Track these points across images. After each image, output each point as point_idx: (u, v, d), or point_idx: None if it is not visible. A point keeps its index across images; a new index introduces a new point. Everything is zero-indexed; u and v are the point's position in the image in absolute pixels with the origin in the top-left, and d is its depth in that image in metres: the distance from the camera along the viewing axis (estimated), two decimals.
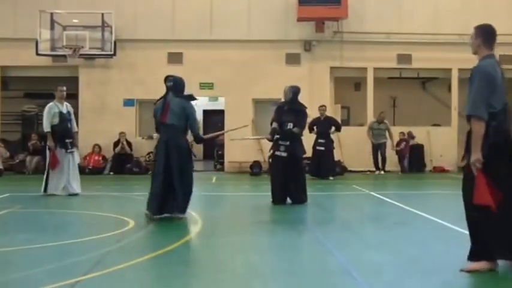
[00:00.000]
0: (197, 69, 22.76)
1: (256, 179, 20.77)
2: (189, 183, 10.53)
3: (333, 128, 20.36)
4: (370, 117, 23.31)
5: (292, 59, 23.37)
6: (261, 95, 23.16)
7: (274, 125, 13.00)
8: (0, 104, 23.82)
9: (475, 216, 6.30)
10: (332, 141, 20.37)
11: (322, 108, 20.39)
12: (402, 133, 23.38)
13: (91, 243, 8.29)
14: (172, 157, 10.36)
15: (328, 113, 21.02)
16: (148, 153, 22.83)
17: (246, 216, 11.96)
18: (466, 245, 6.55)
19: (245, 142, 22.32)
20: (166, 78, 10.91)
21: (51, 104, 14.45)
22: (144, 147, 23.06)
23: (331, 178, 19.53)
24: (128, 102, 23.30)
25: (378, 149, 22.42)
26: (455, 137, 23.14)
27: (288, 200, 12.77)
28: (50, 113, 14.29)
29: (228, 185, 19.17)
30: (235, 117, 23.10)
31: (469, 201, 6.33)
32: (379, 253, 7.58)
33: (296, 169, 12.82)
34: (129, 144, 22.82)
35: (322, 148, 19.83)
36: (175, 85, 10.78)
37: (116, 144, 22.75)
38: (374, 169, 22.37)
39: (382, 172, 22.20)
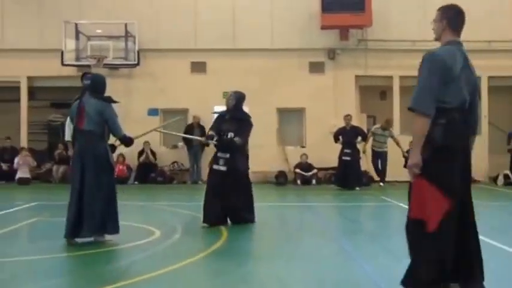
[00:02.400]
0: (220, 79, 22.73)
1: (282, 189, 20.67)
2: (107, 198, 8.95)
3: (359, 138, 20.19)
4: (397, 127, 23.06)
5: (316, 68, 23.26)
6: (284, 104, 23.09)
7: (211, 132, 11.37)
8: (27, 113, 23.94)
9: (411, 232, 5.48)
10: (358, 151, 20.18)
11: (347, 117, 20.24)
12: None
13: (117, 252, 8.27)
14: (88, 169, 8.93)
15: (354, 122, 20.84)
16: (173, 163, 22.85)
17: (271, 226, 11.88)
18: (498, 256, 6.41)
19: (269, 151, 22.28)
20: (83, 76, 9.61)
21: None
22: (168, 156, 23.09)
23: (357, 189, 19.35)
24: (152, 112, 23.30)
25: (378, 157, 21.33)
26: (485, 146, 22.76)
27: (228, 221, 11.12)
28: (71, 122, 14.29)
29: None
30: (259, 126, 22.72)
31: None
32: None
33: (238, 185, 11.15)
34: (153, 153, 22.83)
35: (349, 158, 19.67)
36: (93, 84, 9.25)
37: (140, 153, 22.77)
38: (400, 179, 21.93)
39: (381, 184, 20.92)
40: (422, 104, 5.18)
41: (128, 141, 9.47)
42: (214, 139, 11.16)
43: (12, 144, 23.43)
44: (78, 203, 8.77)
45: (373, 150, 21.35)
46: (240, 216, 11.15)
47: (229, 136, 11.13)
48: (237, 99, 11.55)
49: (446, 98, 5.25)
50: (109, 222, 8.85)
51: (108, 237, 8.92)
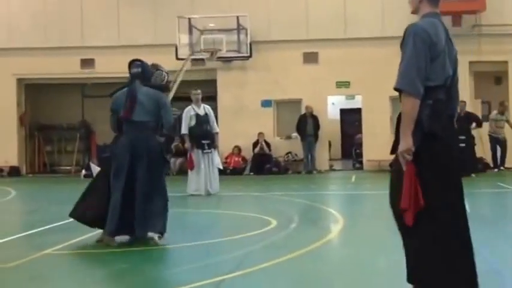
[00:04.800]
0: (333, 68, 22.73)
1: None
2: (160, 195, 8.30)
3: (474, 124, 19.71)
4: None
5: None
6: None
7: None
8: None
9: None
10: (473, 138, 19.73)
11: (461, 104, 19.71)
12: None
13: (234, 242, 8.42)
14: (139, 163, 8.17)
15: (468, 108, 20.36)
16: (287, 153, 23.02)
17: (388, 214, 11.77)
18: None
19: (383, 140, 22.06)
20: (132, 63, 8.71)
21: (188, 107, 14.89)
22: (282, 147, 23.28)
23: (473, 175, 18.89)
24: (266, 103, 23.52)
25: (495, 143, 21.27)
26: None
27: None
28: (187, 116, 14.74)
29: (368, 184, 18.95)
30: (373, 115, 22.89)
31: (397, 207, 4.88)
32: None
33: None
34: (267, 144, 23.04)
35: (463, 145, 19.25)
36: (144, 72, 8.59)
37: (254, 144, 23.04)
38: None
39: (502, 168, 20.89)
40: (409, 84, 4.59)
41: (173, 132, 9.18)
42: None
43: None
44: (124, 200, 8.05)
45: (490, 136, 21.00)
46: None
47: None
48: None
49: (432, 75, 4.66)
50: (159, 220, 8.18)
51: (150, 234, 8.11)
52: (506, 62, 22.77)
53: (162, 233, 8.12)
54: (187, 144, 14.67)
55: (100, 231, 8.36)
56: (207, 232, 9.32)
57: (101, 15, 24.26)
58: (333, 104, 28.30)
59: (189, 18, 22.89)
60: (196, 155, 14.58)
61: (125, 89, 8.47)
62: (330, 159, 24.99)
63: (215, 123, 15.24)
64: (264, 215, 10.76)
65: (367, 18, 22.86)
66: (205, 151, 14.61)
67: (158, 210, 8.16)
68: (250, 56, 22.98)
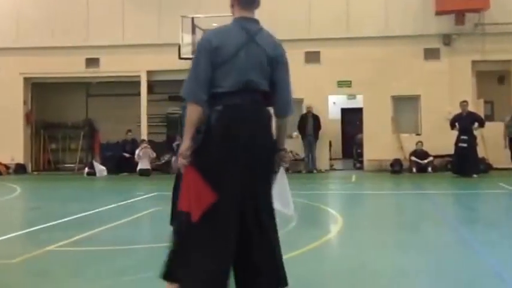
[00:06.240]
0: (335, 68, 22.82)
1: (397, 177, 20.53)
2: None
3: (476, 124, 19.74)
4: None
5: (431, 54, 22.87)
6: (399, 92, 22.86)
7: None
8: (147, 106, 24.76)
9: (177, 226, 5.00)
10: (475, 138, 19.76)
11: (463, 103, 19.85)
12: None
13: None
14: None
15: (471, 108, 20.38)
16: (288, 153, 23.07)
17: (387, 214, 11.89)
18: None
19: (384, 140, 22.20)
20: None
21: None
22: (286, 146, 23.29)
23: (475, 176, 18.93)
24: None
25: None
26: None
27: None
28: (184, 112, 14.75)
29: (368, 184, 19.04)
30: (374, 114, 22.96)
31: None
32: None
33: None
34: None
35: (465, 145, 19.31)
36: None
37: None
38: None
39: None
40: (189, 92, 4.67)
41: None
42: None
43: (133, 137, 24.32)
44: None
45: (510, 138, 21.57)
46: None
47: None
48: None
49: (221, 81, 4.64)
50: None
51: None
52: (509, 61, 22.79)
53: None
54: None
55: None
56: None
57: (106, 15, 24.38)
58: (334, 103, 28.39)
59: (192, 18, 22.92)
60: None
61: None
62: (331, 159, 25.04)
63: None
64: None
65: (369, 18, 22.91)
66: None
67: None
68: None
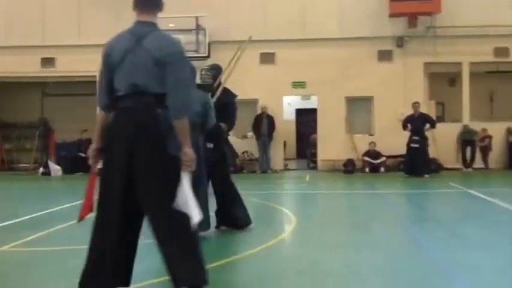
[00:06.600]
0: (289, 69, 22.93)
1: (350, 177, 20.74)
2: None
3: (428, 125, 20.07)
4: (466, 113, 22.88)
5: (385, 56, 23.16)
6: (353, 93, 23.06)
7: None
8: None
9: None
10: (426, 138, 20.08)
11: (415, 104, 20.17)
12: (484, 129, 22.64)
13: None
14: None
15: (423, 109, 20.75)
16: (243, 153, 23.15)
17: (340, 213, 12.01)
18: None
19: (338, 140, 22.41)
20: None
21: None
22: (238, 146, 23.08)
23: (426, 176, 19.24)
24: None
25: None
26: None
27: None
28: None
29: (322, 183, 19.19)
30: (328, 115, 23.15)
31: None
32: (478, 253, 7.46)
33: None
34: None
35: (417, 145, 19.63)
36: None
37: None
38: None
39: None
40: (97, 98, 5.07)
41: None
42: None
43: (89, 136, 24.10)
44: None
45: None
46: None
47: None
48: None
49: (117, 86, 4.88)
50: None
51: None
52: (460, 64, 23.17)
53: None
54: None
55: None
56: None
57: (62, 15, 24.12)
58: (288, 104, 28.51)
59: None
60: None
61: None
62: (285, 159, 25.16)
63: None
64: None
65: (324, 20, 23.04)
66: None
67: None
68: (209, 56, 22.98)
